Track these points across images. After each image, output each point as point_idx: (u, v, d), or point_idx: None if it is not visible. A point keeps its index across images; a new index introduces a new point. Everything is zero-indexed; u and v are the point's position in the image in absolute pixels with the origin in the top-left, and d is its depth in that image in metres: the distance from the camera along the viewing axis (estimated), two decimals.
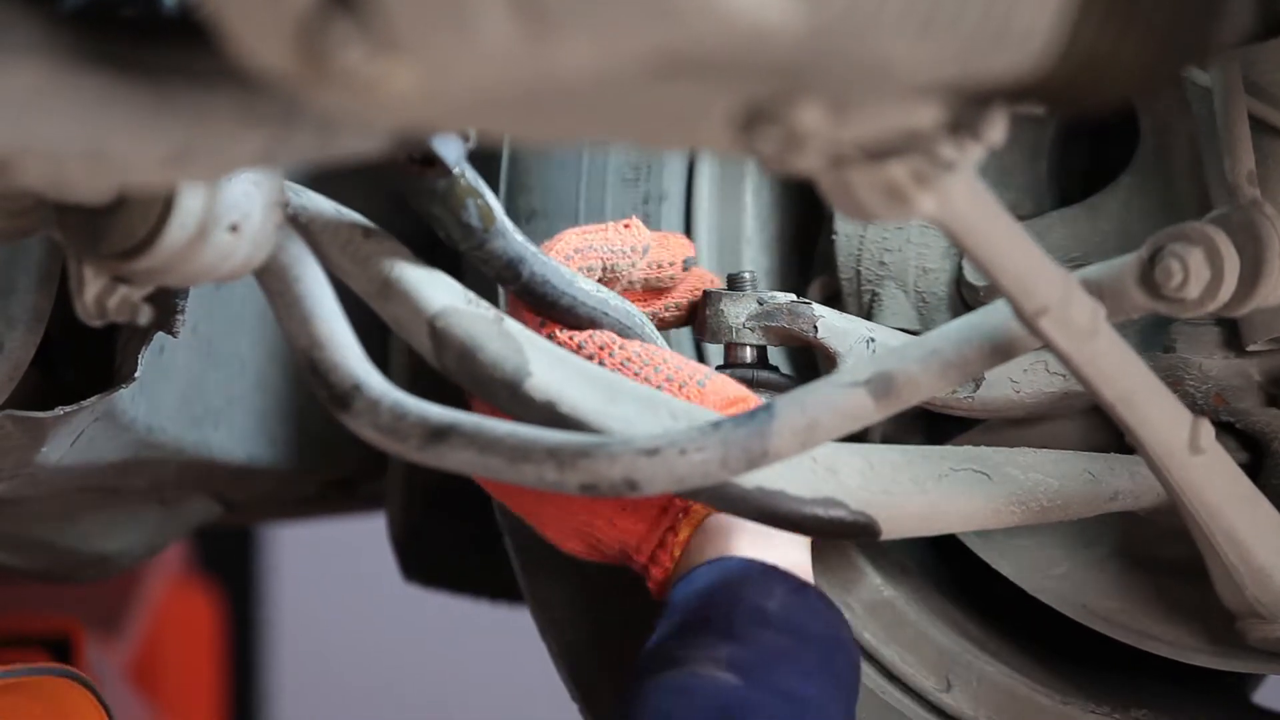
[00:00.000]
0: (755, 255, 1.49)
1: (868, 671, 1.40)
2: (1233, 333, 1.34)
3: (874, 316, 1.41)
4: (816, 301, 1.37)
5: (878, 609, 1.41)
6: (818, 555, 1.36)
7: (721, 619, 1.16)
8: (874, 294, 1.42)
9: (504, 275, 1.23)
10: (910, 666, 1.40)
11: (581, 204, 1.46)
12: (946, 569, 1.48)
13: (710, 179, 1.47)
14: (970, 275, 1.39)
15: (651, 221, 1.45)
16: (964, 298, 1.40)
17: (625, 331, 1.27)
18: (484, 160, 1.37)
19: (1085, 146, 1.47)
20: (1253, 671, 1.35)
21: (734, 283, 1.35)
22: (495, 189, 1.47)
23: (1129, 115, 1.39)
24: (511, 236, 1.21)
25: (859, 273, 1.42)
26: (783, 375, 1.35)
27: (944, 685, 1.39)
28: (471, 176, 1.19)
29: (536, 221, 1.46)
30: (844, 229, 1.43)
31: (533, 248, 1.24)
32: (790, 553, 1.24)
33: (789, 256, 1.52)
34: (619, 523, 1.26)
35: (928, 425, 1.45)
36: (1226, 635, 1.32)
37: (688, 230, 1.46)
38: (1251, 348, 1.33)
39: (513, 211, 1.46)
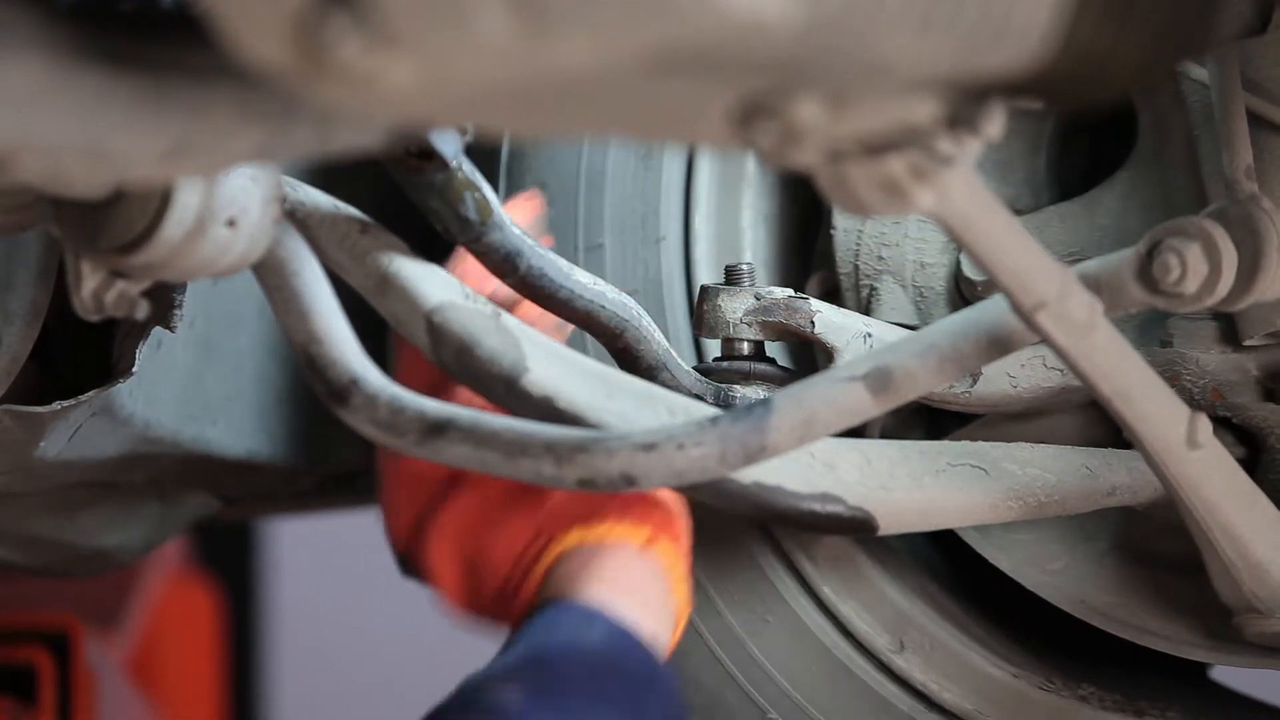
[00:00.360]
0: (755, 200, 1.48)
1: (823, 626, 1.40)
2: (1230, 327, 1.34)
3: (872, 311, 1.41)
4: (815, 296, 1.37)
5: (839, 563, 1.40)
6: None
7: (532, 647, 1.13)
8: (872, 289, 1.42)
9: (501, 268, 1.23)
10: (865, 624, 1.40)
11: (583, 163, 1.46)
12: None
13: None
14: (968, 270, 1.39)
15: (654, 155, 1.44)
16: (962, 292, 1.40)
17: (621, 324, 1.27)
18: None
19: (1085, 142, 1.47)
20: (1251, 667, 1.35)
21: (732, 274, 1.35)
22: (499, 153, 1.46)
23: (1129, 110, 1.39)
24: (509, 229, 1.22)
25: (857, 267, 1.42)
26: (780, 368, 1.35)
27: (897, 646, 1.39)
28: (469, 170, 1.19)
29: (542, 147, 1.46)
30: (842, 224, 1.42)
31: (530, 240, 1.24)
32: (640, 594, 1.17)
33: (789, 245, 1.52)
34: (502, 541, 1.22)
35: (928, 420, 1.45)
36: (1224, 630, 1.32)
37: (689, 166, 1.45)
38: (1248, 342, 1.33)
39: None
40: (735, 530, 1.41)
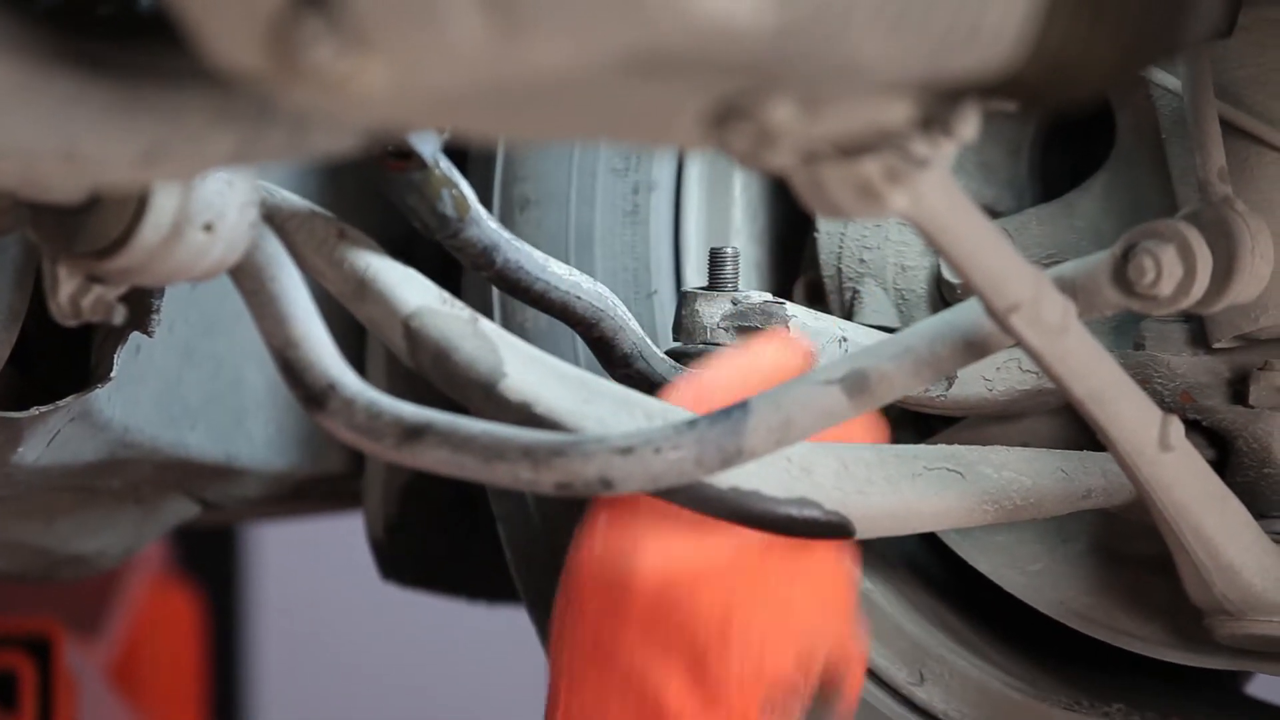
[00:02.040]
0: (745, 245, 1.49)
1: None
2: (1200, 330, 1.34)
3: (855, 314, 1.41)
4: (803, 298, 1.37)
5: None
6: None
7: None
8: (855, 291, 1.42)
9: (478, 263, 1.23)
10: (884, 659, 1.40)
11: (573, 192, 1.46)
12: (926, 559, 1.48)
13: (700, 170, 1.47)
14: (947, 273, 1.39)
15: (640, 212, 1.45)
16: (943, 295, 1.41)
17: (597, 314, 1.28)
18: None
19: (1070, 143, 1.47)
20: (1221, 668, 1.36)
21: (715, 258, 1.35)
22: (491, 178, 1.47)
23: (1111, 111, 1.39)
24: (485, 225, 1.22)
25: (840, 270, 1.42)
26: None
27: (917, 679, 1.39)
28: (446, 167, 1.19)
29: (530, 210, 1.46)
30: (825, 226, 1.43)
31: (506, 234, 1.24)
32: None
33: (778, 250, 1.52)
34: None
35: (917, 422, 1.45)
36: (1198, 631, 1.33)
37: (676, 221, 1.46)
38: (1217, 345, 1.33)
39: (507, 200, 1.46)
40: None
